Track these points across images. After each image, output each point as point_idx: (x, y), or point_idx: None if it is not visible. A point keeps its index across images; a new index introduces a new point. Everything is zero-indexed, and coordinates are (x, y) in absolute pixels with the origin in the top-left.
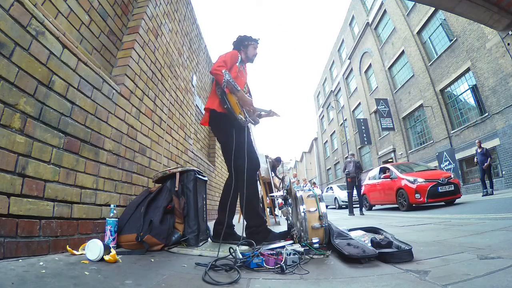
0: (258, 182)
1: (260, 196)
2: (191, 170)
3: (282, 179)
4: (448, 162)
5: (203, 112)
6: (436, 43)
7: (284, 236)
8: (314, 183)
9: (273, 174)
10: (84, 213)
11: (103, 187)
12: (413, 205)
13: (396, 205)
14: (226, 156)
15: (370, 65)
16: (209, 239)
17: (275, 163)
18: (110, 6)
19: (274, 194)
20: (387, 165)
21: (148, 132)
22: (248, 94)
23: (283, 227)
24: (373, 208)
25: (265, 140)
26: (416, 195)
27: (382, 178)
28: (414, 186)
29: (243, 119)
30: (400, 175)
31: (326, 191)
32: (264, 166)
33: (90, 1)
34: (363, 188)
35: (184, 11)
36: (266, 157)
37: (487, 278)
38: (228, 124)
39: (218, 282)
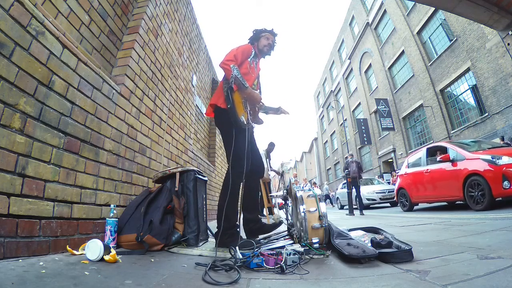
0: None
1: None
2: (191, 170)
3: (282, 174)
4: None
5: (203, 112)
6: (436, 43)
7: (251, 243)
8: (315, 183)
9: (269, 168)
10: (84, 213)
11: (103, 187)
12: (497, 199)
13: (461, 201)
14: (227, 156)
15: (370, 65)
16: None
17: (269, 148)
18: (110, 6)
19: (274, 194)
20: (442, 143)
21: (148, 132)
22: (258, 91)
23: (282, 227)
24: (415, 207)
25: (265, 140)
26: (504, 183)
27: (437, 162)
28: (496, 169)
29: (245, 122)
30: (470, 155)
31: (342, 188)
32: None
33: (90, 1)
34: (398, 180)
35: (184, 11)
36: (266, 156)
37: (487, 278)
38: (229, 122)
39: (218, 282)
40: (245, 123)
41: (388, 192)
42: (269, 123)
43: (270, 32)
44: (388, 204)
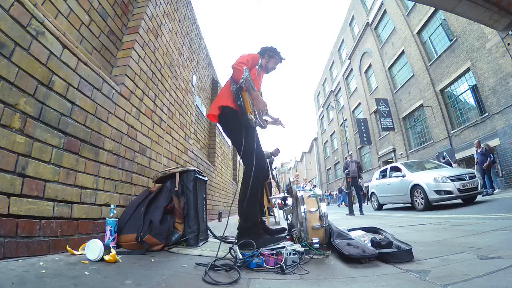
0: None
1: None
2: (191, 170)
3: (278, 187)
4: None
5: (203, 112)
6: (436, 43)
7: (276, 239)
8: (310, 181)
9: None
10: (84, 213)
11: (103, 187)
12: None
13: None
14: (243, 157)
15: (370, 65)
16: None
17: (274, 152)
18: (110, 6)
19: (274, 196)
20: None
21: (148, 132)
22: None
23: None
24: None
25: (265, 140)
26: None
27: None
28: None
29: (253, 119)
30: None
31: (380, 177)
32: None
33: (90, 1)
34: None
35: (184, 11)
36: (267, 156)
37: (487, 278)
38: (238, 122)
39: (218, 282)
40: (254, 120)
41: (470, 177)
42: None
43: (281, 58)
44: (460, 200)
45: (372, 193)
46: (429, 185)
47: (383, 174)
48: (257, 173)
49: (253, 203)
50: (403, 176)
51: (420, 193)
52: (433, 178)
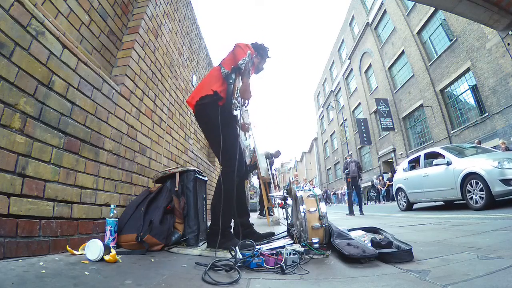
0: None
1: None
2: (191, 170)
3: (278, 187)
4: None
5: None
6: (436, 43)
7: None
8: (310, 181)
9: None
10: (84, 213)
11: (103, 187)
12: None
13: None
14: (217, 153)
15: (370, 65)
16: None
17: (275, 154)
18: (110, 6)
19: (274, 194)
20: None
21: (148, 132)
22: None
23: (283, 227)
24: None
25: (265, 140)
26: None
27: None
28: None
29: (236, 104)
30: None
31: (409, 168)
32: (264, 166)
33: (90, 1)
34: None
35: (184, 11)
36: (267, 157)
37: (487, 278)
38: (216, 112)
39: (218, 282)
40: (237, 105)
41: None
42: (269, 122)
43: (269, 58)
44: None
45: (399, 189)
46: (491, 173)
47: (413, 165)
48: (240, 174)
49: (228, 206)
50: (448, 164)
51: (478, 184)
52: (498, 162)
